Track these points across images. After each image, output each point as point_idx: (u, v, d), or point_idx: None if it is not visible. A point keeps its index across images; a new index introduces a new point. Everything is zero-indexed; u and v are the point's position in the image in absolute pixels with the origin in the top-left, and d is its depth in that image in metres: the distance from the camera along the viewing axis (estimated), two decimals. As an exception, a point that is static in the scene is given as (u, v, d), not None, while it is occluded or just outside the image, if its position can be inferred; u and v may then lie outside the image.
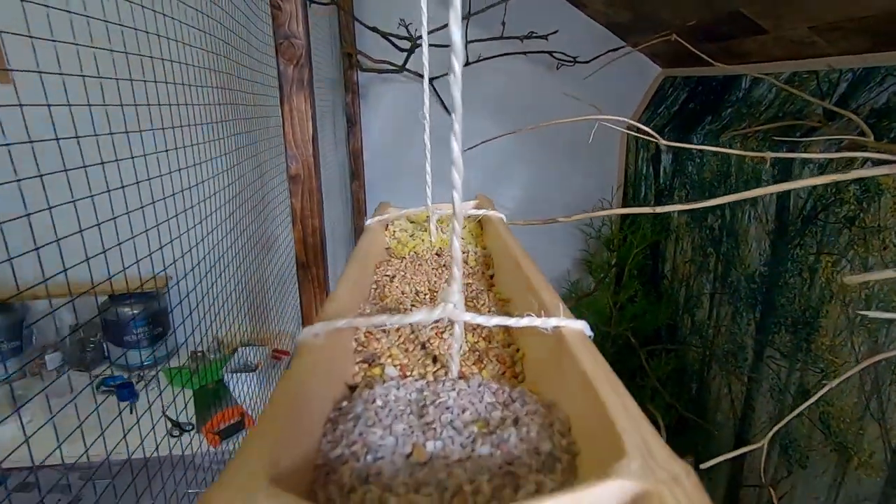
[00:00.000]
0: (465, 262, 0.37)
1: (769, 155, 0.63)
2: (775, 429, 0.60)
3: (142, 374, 1.54)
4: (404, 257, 0.38)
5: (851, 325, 0.90)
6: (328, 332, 0.20)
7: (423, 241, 0.41)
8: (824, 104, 0.96)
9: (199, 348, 1.63)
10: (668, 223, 1.51)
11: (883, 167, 0.49)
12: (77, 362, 1.57)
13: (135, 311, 1.54)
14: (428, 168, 0.42)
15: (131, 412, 1.39)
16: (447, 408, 0.18)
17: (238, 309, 1.25)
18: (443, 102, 1.66)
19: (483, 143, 1.09)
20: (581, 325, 0.23)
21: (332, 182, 1.57)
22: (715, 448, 1.31)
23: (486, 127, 1.69)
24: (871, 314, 0.51)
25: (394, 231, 0.44)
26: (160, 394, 1.55)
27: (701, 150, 1.33)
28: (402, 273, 0.34)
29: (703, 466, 0.58)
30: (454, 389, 0.19)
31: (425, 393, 0.19)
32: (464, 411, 0.18)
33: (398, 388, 0.19)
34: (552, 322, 0.23)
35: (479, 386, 0.20)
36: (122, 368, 1.56)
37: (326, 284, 0.78)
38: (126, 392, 1.44)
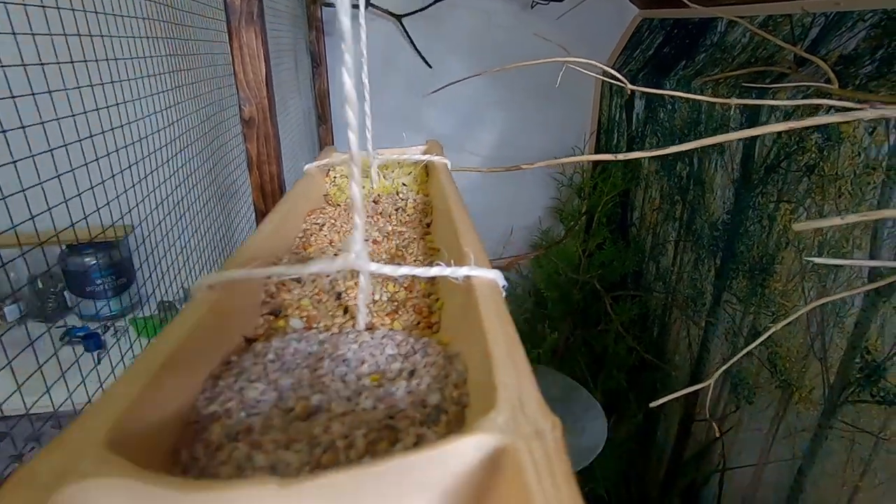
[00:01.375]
0: (404, 209, 0.36)
1: (734, 101, 0.62)
2: (722, 369, 0.62)
3: (108, 324, 1.52)
4: (339, 205, 0.36)
5: (803, 271, 0.93)
6: (225, 283, 0.19)
7: (363, 187, 0.39)
8: (795, 49, 0.94)
9: (166, 298, 1.61)
10: (639, 171, 1.51)
11: (839, 115, 0.49)
12: (38, 313, 1.54)
13: (97, 261, 1.50)
14: (368, 110, 0.40)
15: (98, 363, 1.38)
16: (344, 360, 0.17)
17: (207, 257, 1.23)
18: (414, 44, 1.58)
19: (446, 86, 1.05)
20: (494, 275, 0.23)
21: (297, 126, 1.51)
22: (672, 387, 1.38)
23: (457, 70, 1.62)
24: (818, 260, 0.52)
25: (334, 177, 0.42)
26: (131, 345, 1.54)
27: (672, 97, 1.31)
28: (333, 221, 0.33)
29: (652, 405, 0.61)
30: (356, 342, 0.19)
31: (325, 346, 0.19)
32: (362, 364, 0.18)
33: (298, 342, 0.19)
34: (463, 271, 0.22)
35: (384, 338, 0.19)
36: (87, 319, 1.54)
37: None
38: (93, 342, 1.42)
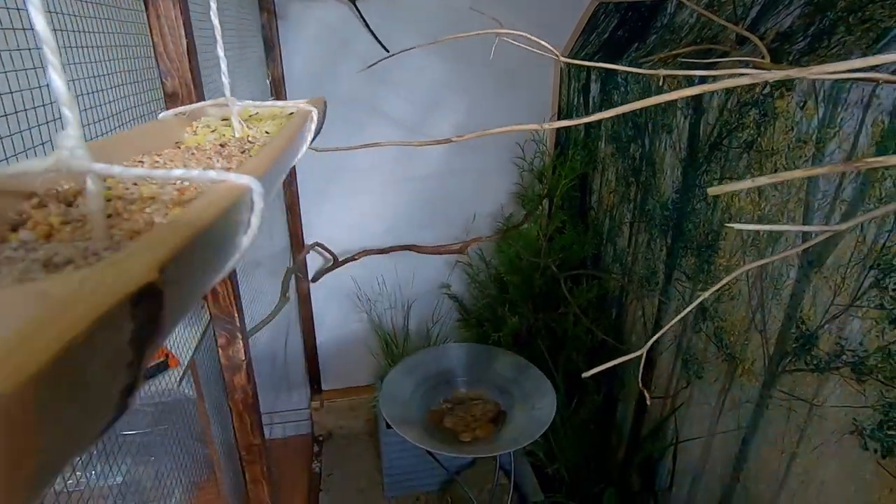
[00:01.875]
0: (248, 151, 0.34)
1: (661, 72, 0.63)
2: (651, 341, 0.63)
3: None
4: (181, 147, 0.35)
5: (744, 247, 0.95)
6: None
7: (223, 135, 0.38)
8: (736, 29, 0.96)
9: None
10: (596, 155, 1.52)
11: (743, 78, 0.49)
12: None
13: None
14: (221, 52, 0.38)
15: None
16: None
17: None
18: (370, 27, 1.56)
19: (379, 61, 1.03)
20: (247, 181, 0.21)
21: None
22: (629, 366, 1.40)
23: (415, 54, 1.60)
24: (736, 226, 0.53)
25: (196, 127, 0.40)
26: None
27: (626, 79, 1.32)
28: (157, 160, 0.31)
29: (584, 375, 0.61)
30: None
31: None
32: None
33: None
34: (211, 175, 0.21)
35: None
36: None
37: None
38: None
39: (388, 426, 1.70)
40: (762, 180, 0.47)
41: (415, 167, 1.74)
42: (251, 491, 0.93)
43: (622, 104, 1.35)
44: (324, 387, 2.03)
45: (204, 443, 1.69)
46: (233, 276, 0.76)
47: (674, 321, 0.65)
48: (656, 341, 1.27)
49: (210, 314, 0.78)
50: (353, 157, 1.69)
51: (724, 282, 0.61)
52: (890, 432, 0.70)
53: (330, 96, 1.63)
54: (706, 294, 0.60)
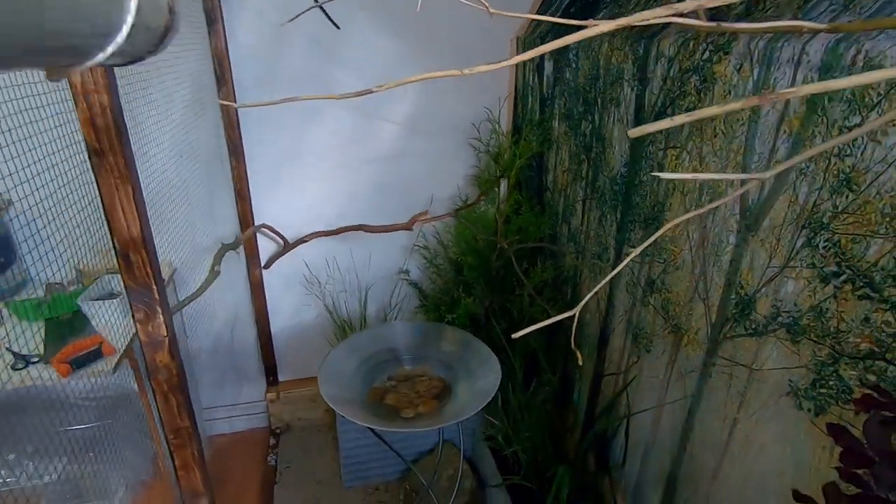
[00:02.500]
0: None
1: (591, 23, 0.61)
2: (584, 300, 0.61)
3: (-20, 307, 1.37)
4: None
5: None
6: None
7: None
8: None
9: (55, 280, 1.47)
10: (551, 134, 1.51)
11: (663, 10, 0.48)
12: None
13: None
14: None
15: (-34, 349, 1.24)
16: None
17: (91, 234, 1.12)
18: (318, 3, 1.51)
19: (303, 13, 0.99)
20: None
21: (190, 89, 1.41)
22: (585, 343, 1.40)
23: (368, 30, 1.56)
24: (665, 175, 0.51)
25: None
26: (7, 333, 1.39)
27: (576, 54, 1.31)
28: None
29: (514, 336, 0.59)
30: None
31: None
32: None
33: None
34: None
35: None
36: (-43, 303, 1.38)
37: (132, 176, 0.69)
38: (-39, 328, 1.28)
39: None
40: (680, 119, 0.45)
41: (368, 150, 1.69)
42: (182, 479, 0.88)
43: (573, 80, 1.34)
44: (280, 378, 1.97)
45: (151, 437, 1.62)
46: (148, 244, 0.71)
47: (602, 283, 0.63)
48: (608, 318, 1.27)
49: (125, 286, 0.72)
50: (304, 139, 1.64)
51: (656, 235, 0.60)
52: (822, 390, 0.70)
53: (279, 75, 1.58)
54: (635, 252, 0.58)
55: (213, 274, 0.85)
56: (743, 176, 0.51)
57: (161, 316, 0.75)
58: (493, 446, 1.57)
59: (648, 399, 1.11)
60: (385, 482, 1.73)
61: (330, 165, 1.68)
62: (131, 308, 0.74)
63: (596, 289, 0.59)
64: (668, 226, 0.54)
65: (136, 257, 0.71)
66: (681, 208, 0.96)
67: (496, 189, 1.64)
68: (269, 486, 1.74)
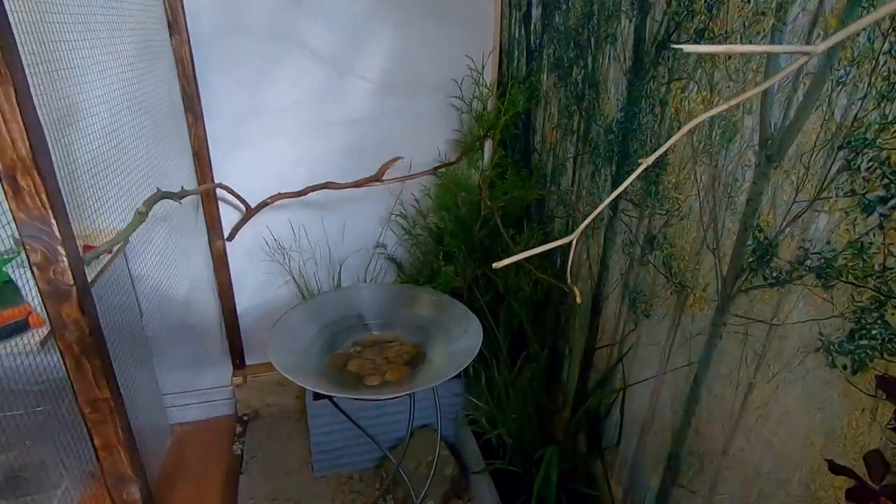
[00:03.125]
0: None
1: None
2: (582, 226, 0.49)
3: None
4: None
5: (695, 155, 0.83)
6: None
7: None
8: None
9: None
10: (538, 89, 1.39)
11: None
12: None
13: None
14: None
15: None
16: None
17: None
18: (281, -62, 1.36)
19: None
20: None
21: (136, 36, 1.25)
22: (575, 315, 1.28)
23: (338, -25, 1.42)
24: (687, 48, 0.39)
25: None
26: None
27: (567, -7, 1.18)
28: None
29: (494, 265, 0.46)
30: None
31: None
32: None
33: None
34: None
35: None
36: None
37: (16, 77, 0.54)
38: None
39: (316, 397, 1.53)
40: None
41: (340, 110, 1.55)
42: (104, 461, 0.74)
43: (563, 23, 1.21)
44: (248, 361, 1.82)
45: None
46: (42, 164, 0.57)
47: (610, 198, 0.51)
48: (601, 285, 1.15)
49: (14, 220, 0.58)
50: (268, 96, 1.49)
51: (663, 148, 0.48)
52: (862, 342, 0.59)
53: (241, 25, 1.43)
54: (651, 158, 0.46)
55: (139, 217, 0.71)
56: (789, 48, 0.39)
57: (65, 259, 0.61)
58: (476, 429, 1.45)
59: (647, 370, 1.00)
60: (359, 470, 1.60)
61: (298, 126, 1.54)
62: (24, 248, 0.59)
63: (598, 211, 0.47)
64: (686, 128, 0.42)
65: (26, 182, 0.57)
66: (687, 148, 0.84)
67: (480, 152, 1.51)
68: (234, 477, 1.60)
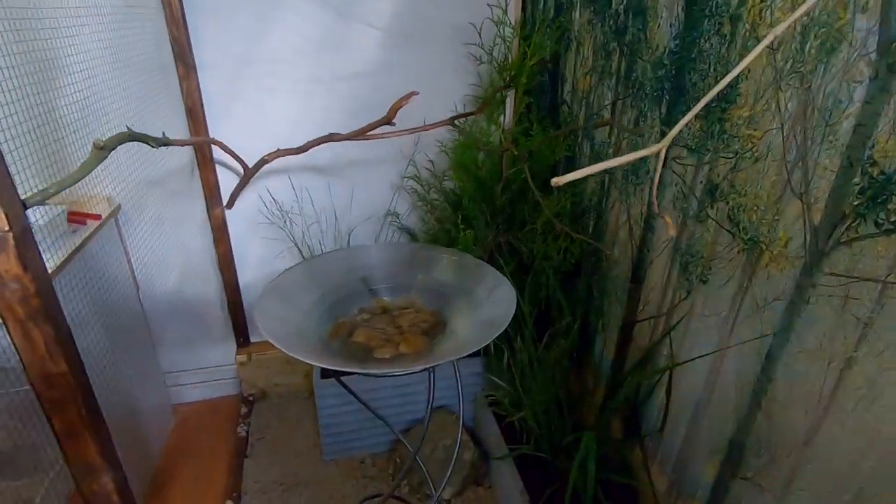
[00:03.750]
0: None
1: None
2: (672, 133, 0.34)
3: None
4: None
5: (778, 77, 0.67)
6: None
7: None
8: None
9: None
10: (569, 30, 1.22)
11: None
12: None
13: None
14: None
15: None
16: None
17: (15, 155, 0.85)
18: None
19: None
20: None
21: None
22: (609, 288, 1.14)
23: None
24: None
25: None
26: None
27: None
28: None
29: (553, 182, 0.32)
30: None
31: None
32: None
33: None
34: None
35: None
36: None
37: None
38: None
39: (325, 375, 1.42)
40: None
41: (345, 63, 1.40)
42: (67, 448, 0.63)
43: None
44: (252, 339, 1.71)
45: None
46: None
47: (684, 120, 0.36)
48: (644, 249, 1.00)
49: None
50: (266, 44, 1.35)
51: (748, 58, 0.33)
52: None
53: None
54: (737, 68, 0.31)
55: (96, 154, 0.58)
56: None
57: (-8, 196, 0.48)
58: (497, 412, 1.32)
59: (703, 345, 0.86)
60: (372, 455, 1.49)
61: (299, 80, 1.39)
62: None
63: (682, 122, 0.32)
64: (771, 35, 0.26)
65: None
66: (767, 70, 0.68)
67: (502, 106, 1.35)
68: (239, 460, 1.50)
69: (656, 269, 0.97)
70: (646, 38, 0.93)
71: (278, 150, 1.26)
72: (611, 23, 1.04)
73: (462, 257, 0.91)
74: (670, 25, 0.86)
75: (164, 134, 0.82)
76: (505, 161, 1.31)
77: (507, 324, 0.67)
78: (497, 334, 0.65)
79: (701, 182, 0.83)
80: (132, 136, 0.67)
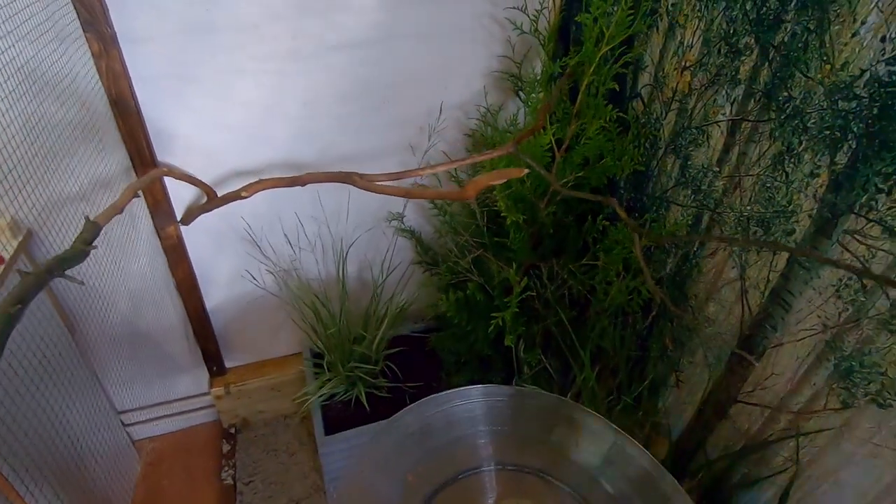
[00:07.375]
0: None
1: None
2: None
3: None
4: None
5: None
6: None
7: None
8: None
9: None
10: (658, 2, 0.89)
11: None
12: None
13: None
14: None
15: None
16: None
17: None
18: None
19: None
20: None
21: None
22: (696, 343, 0.92)
23: None
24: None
25: None
26: None
27: None
28: None
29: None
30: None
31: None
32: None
33: None
34: None
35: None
36: None
37: None
38: None
39: (329, 432, 1.18)
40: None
41: (336, 29, 1.01)
42: None
43: None
44: (227, 365, 1.43)
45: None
46: None
47: None
48: (767, 323, 0.77)
49: None
50: (225, 6, 0.93)
51: None
52: None
53: None
54: None
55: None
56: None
57: None
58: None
59: (860, 474, 0.67)
60: None
61: (274, 51, 1.00)
62: None
63: None
64: None
65: None
66: None
67: (553, 89, 1.03)
68: (227, 514, 1.28)
69: (785, 355, 0.75)
70: (820, 46, 0.64)
71: (261, 180, 0.89)
72: (748, 7, 0.73)
73: (620, 438, 0.56)
74: (882, 39, 0.57)
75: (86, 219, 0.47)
76: (555, 169, 1.01)
77: None
78: None
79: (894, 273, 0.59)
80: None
